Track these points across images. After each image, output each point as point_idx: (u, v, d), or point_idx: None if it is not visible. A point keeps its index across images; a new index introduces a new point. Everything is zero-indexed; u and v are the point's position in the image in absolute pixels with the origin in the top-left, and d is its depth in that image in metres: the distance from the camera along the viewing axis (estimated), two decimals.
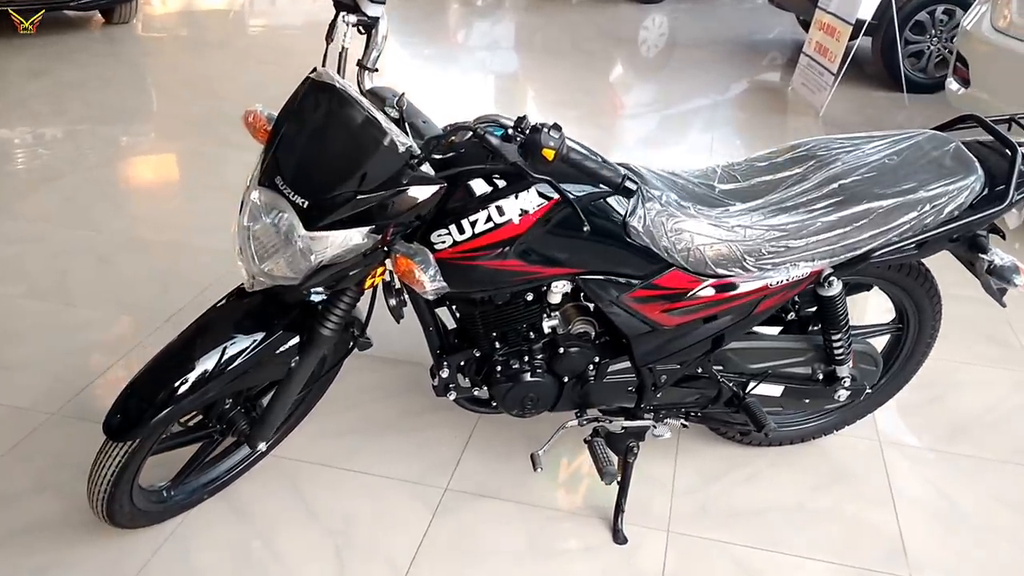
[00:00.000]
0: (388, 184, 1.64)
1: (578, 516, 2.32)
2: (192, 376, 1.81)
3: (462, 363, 2.15)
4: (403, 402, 2.73)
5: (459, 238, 1.79)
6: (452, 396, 2.18)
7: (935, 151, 2.10)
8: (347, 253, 1.69)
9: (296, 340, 1.91)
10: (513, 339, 2.09)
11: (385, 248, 1.73)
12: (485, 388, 2.17)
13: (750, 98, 6.57)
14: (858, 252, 2.01)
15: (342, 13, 1.85)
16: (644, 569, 2.17)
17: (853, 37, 5.88)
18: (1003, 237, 2.20)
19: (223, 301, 1.95)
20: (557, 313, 2.10)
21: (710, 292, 2.00)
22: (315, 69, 1.76)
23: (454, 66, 7.09)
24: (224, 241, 3.68)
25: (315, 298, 1.95)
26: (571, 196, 1.69)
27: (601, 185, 1.78)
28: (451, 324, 2.22)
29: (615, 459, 2.21)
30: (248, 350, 1.85)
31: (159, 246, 3.63)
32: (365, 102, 1.65)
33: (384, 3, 1.89)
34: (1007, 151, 2.10)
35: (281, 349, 1.90)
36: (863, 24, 5.83)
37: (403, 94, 1.74)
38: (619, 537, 2.25)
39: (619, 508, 2.26)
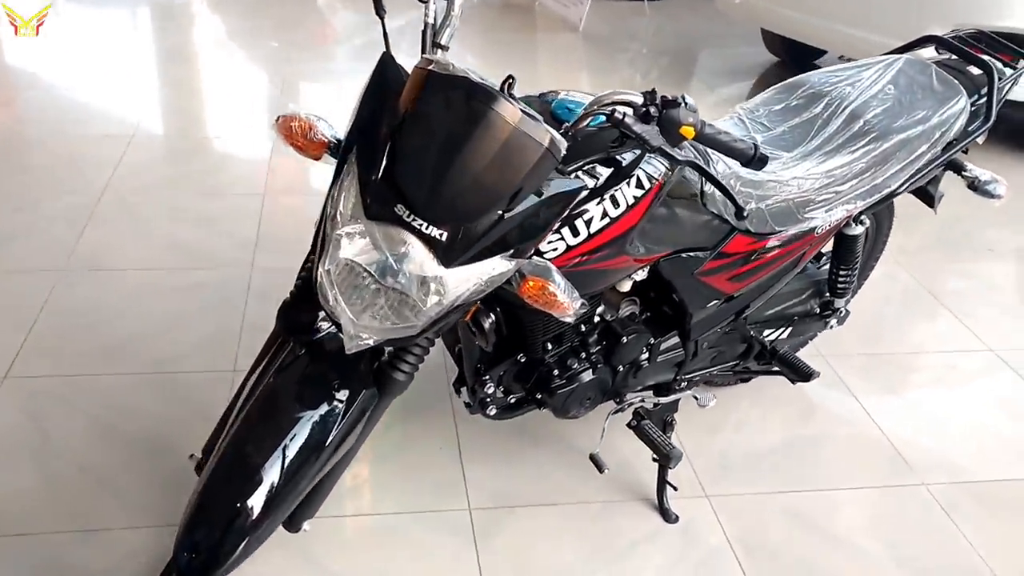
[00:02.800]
0: (537, 194, 1.32)
1: (619, 504, 2.17)
2: (271, 483, 1.39)
3: (502, 373, 1.87)
4: None
5: (573, 242, 1.50)
6: (492, 412, 1.90)
7: (920, 76, 2.12)
8: (486, 286, 1.35)
9: (373, 398, 1.53)
10: (569, 336, 1.85)
11: None
12: (520, 392, 1.92)
13: (498, 17, 6.44)
14: (891, 188, 2.00)
15: None
16: (710, 540, 2.08)
17: None
18: (965, 152, 2.30)
19: (271, 377, 1.49)
20: (599, 298, 1.88)
21: (769, 251, 1.89)
22: (387, 53, 1.35)
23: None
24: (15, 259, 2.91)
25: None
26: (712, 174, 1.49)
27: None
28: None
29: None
30: (334, 429, 1.44)
31: None
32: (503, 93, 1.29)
33: None
34: (970, 69, 2.18)
35: (364, 414, 1.50)
36: None
37: (511, 77, 1.39)
38: (669, 516, 2.13)
39: (663, 486, 2.14)
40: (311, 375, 1.48)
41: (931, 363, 2.82)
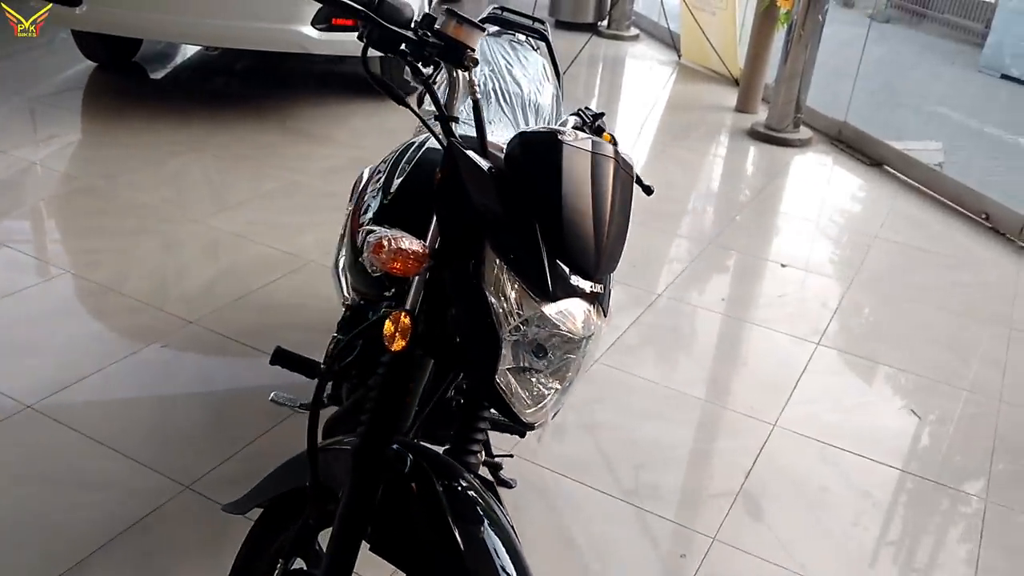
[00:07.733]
0: None
1: None
2: None
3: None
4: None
5: None
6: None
7: (512, 52, 2.34)
8: None
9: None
10: None
11: None
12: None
13: None
14: None
15: (469, 50, 1.23)
16: (549, 482, 2.32)
17: None
18: None
19: (453, 531, 1.27)
20: None
21: None
22: (456, 140, 1.26)
23: None
24: None
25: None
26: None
27: None
28: None
29: None
30: (502, 520, 1.35)
31: None
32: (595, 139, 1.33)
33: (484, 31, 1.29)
34: (518, 35, 2.55)
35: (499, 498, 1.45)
36: None
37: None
38: (509, 484, 2.24)
39: (492, 459, 2.26)
40: (455, 501, 1.32)
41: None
